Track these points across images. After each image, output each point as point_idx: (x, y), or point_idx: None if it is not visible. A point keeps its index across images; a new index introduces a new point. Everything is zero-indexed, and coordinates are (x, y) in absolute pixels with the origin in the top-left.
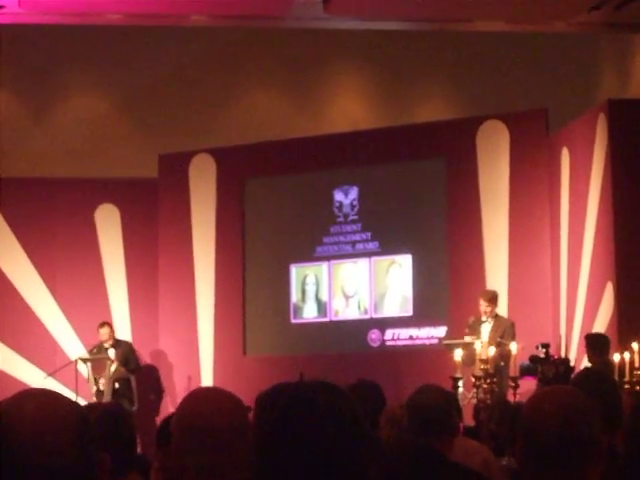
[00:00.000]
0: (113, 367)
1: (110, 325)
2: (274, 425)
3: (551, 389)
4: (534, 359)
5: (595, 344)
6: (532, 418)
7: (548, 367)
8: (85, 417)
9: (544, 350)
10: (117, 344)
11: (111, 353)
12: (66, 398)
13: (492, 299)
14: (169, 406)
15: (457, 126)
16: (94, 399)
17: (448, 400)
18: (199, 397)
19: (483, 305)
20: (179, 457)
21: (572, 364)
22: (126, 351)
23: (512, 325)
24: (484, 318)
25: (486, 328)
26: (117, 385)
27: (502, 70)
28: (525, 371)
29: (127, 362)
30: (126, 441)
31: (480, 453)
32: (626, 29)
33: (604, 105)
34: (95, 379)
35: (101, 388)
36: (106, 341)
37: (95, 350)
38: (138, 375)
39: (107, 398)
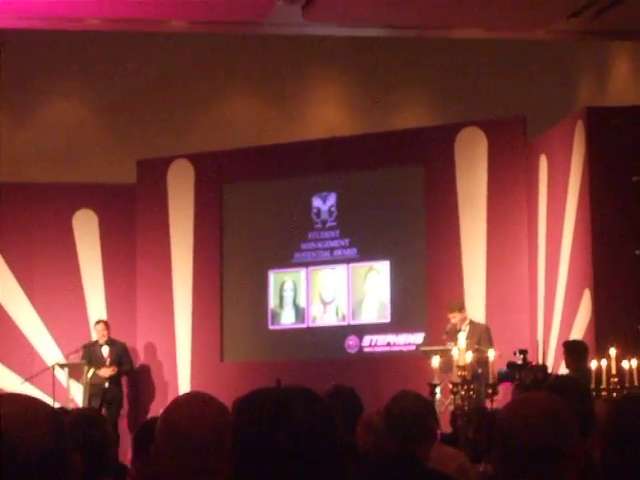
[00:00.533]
0: (90, 373)
1: (105, 323)
2: (250, 430)
3: (527, 396)
4: (511, 365)
5: (573, 351)
6: (508, 424)
7: (526, 373)
8: (59, 419)
9: (522, 356)
10: (112, 343)
11: (105, 350)
12: (40, 401)
13: (455, 308)
14: (147, 412)
15: (435, 133)
16: (71, 405)
17: (426, 407)
18: (183, 402)
19: (452, 317)
20: (160, 461)
21: (550, 370)
22: (120, 351)
23: (487, 329)
24: (459, 327)
25: (462, 335)
26: (107, 385)
27: (480, 77)
28: (503, 377)
29: (120, 362)
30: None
31: (456, 460)
32: (604, 37)
33: (582, 112)
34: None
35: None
36: (101, 339)
37: (89, 346)
38: (131, 376)
39: (84, 403)
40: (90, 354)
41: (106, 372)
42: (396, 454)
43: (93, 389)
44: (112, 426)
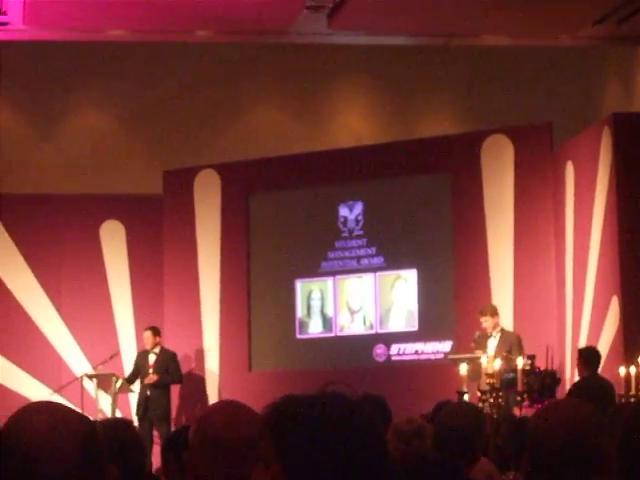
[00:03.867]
0: (119, 383)
1: (153, 329)
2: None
3: (558, 402)
4: (515, 371)
5: (588, 358)
6: (539, 431)
7: (534, 379)
8: (93, 430)
9: (529, 362)
10: (160, 351)
11: (151, 358)
12: (74, 411)
13: (488, 312)
14: (176, 422)
15: (462, 140)
16: (100, 416)
17: (479, 423)
18: (217, 410)
19: (483, 320)
20: (194, 469)
21: (558, 376)
22: (167, 360)
23: (519, 339)
24: (489, 333)
25: (492, 343)
26: (149, 393)
27: (506, 84)
28: (508, 383)
29: (167, 371)
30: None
31: (484, 468)
32: (630, 42)
33: (609, 119)
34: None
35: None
36: (148, 346)
37: (140, 353)
38: (182, 383)
39: (113, 413)
40: (139, 361)
41: (148, 380)
42: (442, 467)
43: (139, 397)
44: (149, 434)
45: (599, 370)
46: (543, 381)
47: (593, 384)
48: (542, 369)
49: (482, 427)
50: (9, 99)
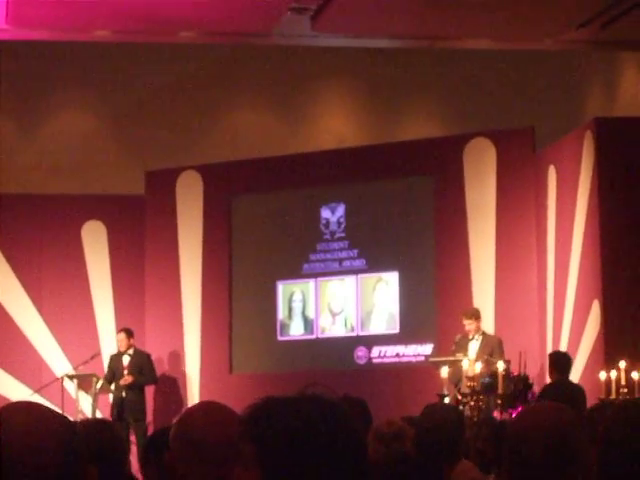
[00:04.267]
0: (99, 384)
1: (127, 331)
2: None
3: (537, 406)
4: (494, 375)
5: (557, 362)
6: (518, 435)
7: (507, 384)
8: (72, 430)
9: (505, 367)
10: (134, 353)
11: (125, 360)
12: (53, 411)
13: (472, 315)
14: (156, 423)
15: (444, 143)
16: (80, 416)
17: (459, 424)
18: (197, 411)
19: (466, 323)
20: (174, 469)
21: (530, 381)
22: (141, 361)
23: (500, 342)
24: (471, 336)
25: (474, 345)
26: (124, 394)
27: (489, 88)
28: (486, 387)
29: (141, 372)
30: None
31: (469, 472)
32: (613, 47)
33: (591, 123)
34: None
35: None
36: (121, 348)
37: (113, 356)
38: (157, 386)
39: (93, 414)
40: (113, 363)
41: (123, 381)
42: (423, 469)
43: (114, 399)
44: (125, 435)
45: (578, 373)
46: (515, 386)
47: (562, 388)
48: (515, 374)
49: (462, 428)
50: None
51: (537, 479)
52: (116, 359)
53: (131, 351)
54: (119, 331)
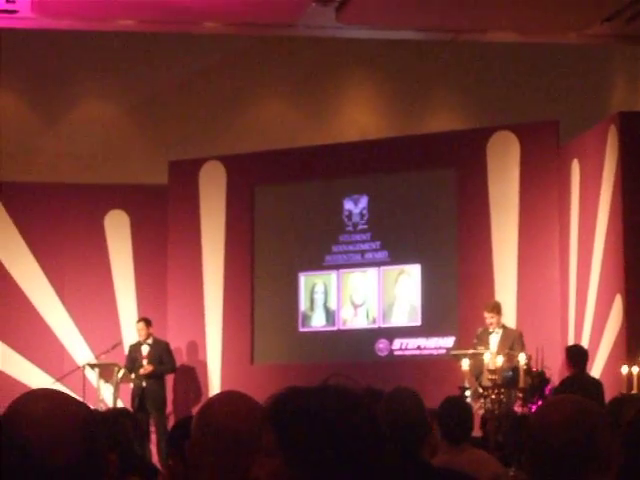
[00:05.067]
0: (121, 373)
1: (146, 321)
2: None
3: (559, 398)
4: (515, 370)
5: (574, 356)
6: (539, 428)
7: (524, 379)
8: (93, 417)
9: (525, 360)
10: (153, 342)
11: (144, 350)
12: (73, 398)
13: (494, 309)
14: (178, 413)
15: (468, 136)
16: (101, 405)
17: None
18: (219, 400)
19: (487, 316)
20: (196, 458)
21: (548, 377)
22: (161, 350)
23: (520, 335)
24: (491, 329)
25: (494, 339)
26: (144, 384)
27: (513, 81)
28: (508, 382)
29: (161, 361)
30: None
31: (490, 465)
32: (638, 41)
33: (615, 117)
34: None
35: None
36: (140, 337)
37: (132, 345)
38: (176, 375)
39: (115, 403)
40: (132, 353)
41: (143, 371)
42: (402, 457)
43: (134, 388)
44: (146, 425)
45: (600, 368)
46: (533, 381)
47: (580, 382)
48: (533, 370)
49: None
50: (15, 87)
51: (560, 471)
52: (135, 349)
53: (150, 340)
54: (138, 320)
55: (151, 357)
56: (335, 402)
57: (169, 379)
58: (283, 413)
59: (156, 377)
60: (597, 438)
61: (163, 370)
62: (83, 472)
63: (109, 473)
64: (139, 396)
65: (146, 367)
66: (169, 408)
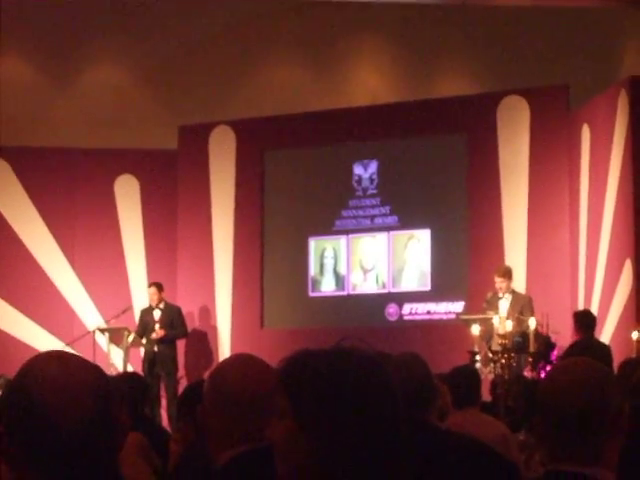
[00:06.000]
0: (131, 338)
1: (158, 285)
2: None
3: (570, 361)
4: (524, 335)
5: (582, 321)
6: (550, 390)
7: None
8: (105, 379)
9: (535, 325)
10: (165, 307)
11: (156, 314)
12: (85, 360)
13: (506, 274)
14: (188, 378)
15: (478, 101)
16: (111, 370)
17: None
18: (231, 363)
19: (498, 281)
20: (208, 423)
21: (553, 341)
22: (173, 314)
23: (530, 300)
24: (501, 294)
25: (504, 304)
26: (156, 348)
27: (523, 45)
28: (517, 347)
29: (172, 326)
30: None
31: (497, 428)
32: None
33: (625, 82)
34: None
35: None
36: (152, 302)
37: (144, 310)
38: (187, 340)
39: (125, 367)
40: (144, 318)
41: (155, 335)
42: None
43: (146, 353)
44: (156, 389)
45: (610, 333)
46: (539, 347)
47: (588, 346)
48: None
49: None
50: (25, 52)
51: (571, 433)
52: (147, 313)
53: (162, 305)
54: (150, 285)
55: (163, 322)
56: (349, 364)
57: (180, 344)
58: (296, 377)
59: (168, 342)
60: (608, 400)
61: (175, 335)
62: (96, 433)
63: (122, 432)
64: (150, 360)
65: (158, 331)
66: (180, 372)
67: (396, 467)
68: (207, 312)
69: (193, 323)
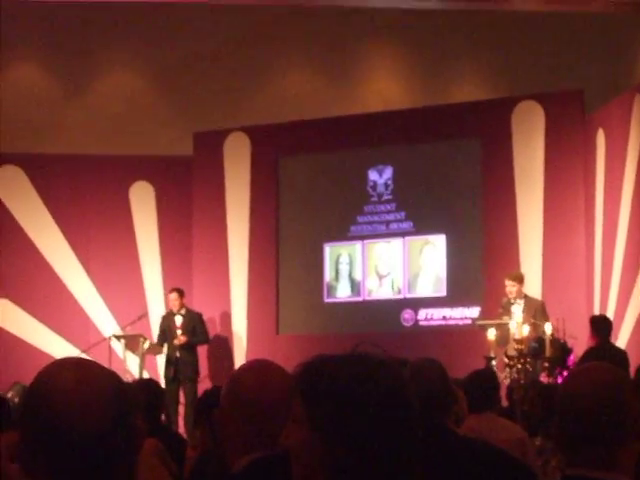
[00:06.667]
0: (146, 344)
1: (179, 291)
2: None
3: (589, 366)
4: (540, 341)
5: (597, 326)
6: (568, 395)
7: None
8: (121, 385)
9: (551, 330)
10: (186, 313)
11: (177, 320)
12: (101, 367)
13: (516, 278)
14: (204, 384)
15: (492, 106)
16: (127, 376)
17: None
18: (249, 369)
19: (508, 284)
20: (224, 428)
21: (569, 347)
22: (194, 321)
23: (543, 305)
24: (512, 299)
25: (517, 309)
26: (178, 354)
27: (538, 50)
28: (533, 352)
29: (194, 332)
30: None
31: (514, 433)
32: None
33: None
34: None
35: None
36: (173, 308)
37: (165, 316)
38: (210, 345)
39: (141, 374)
40: (165, 323)
41: (177, 341)
42: (427, 427)
43: (168, 359)
44: (176, 395)
45: (625, 339)
46: (554, 352)
47: (605, 352)
48: (561, 340)
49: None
50: (40, 59)
51: (588, 438)
52: (168, 319)
53: (183, 311)
54: (171, 291)
55: (184, 328)
56: (364, 369)
57: (201, 350)
58: (311, 383)
59: (189, 348)
60: (626, 405)
61: (197, 341)
62: (112, 440)
63: (138, 440)
64: (173, 366)
65: (180, 338)
66: (204, 379)
67: (411, 472)
68: (222, 318)
69: (209, 328)
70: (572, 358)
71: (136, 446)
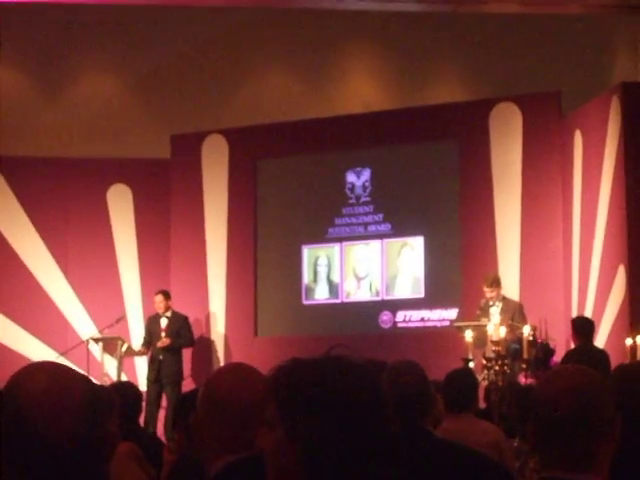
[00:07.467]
0: (124, 347)
1: (165, 293)
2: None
3: (563, 368)
4: (520, 341)
5: (579, 327)
6: (544, 397)
7: (532, 350)
8: (94, 389)
9: (532, 333)
10: (171, 315)
11: (162, 322)
12: (74, 371)
13: (493, 283)
14: (189, 386)
15: (470, 108)
16: (105, 379)
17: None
18: (225, 373)
19: (487, 291)
20: (200, 431)
21: (552, 348)
22: (179, 323)
23: (521, 307)
24: (492, 302)
25: (495, 310)
26: (161, 357)
27: (515, 52)
28: (513, 353)
29: (179, 335)
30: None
31: (492, 434)
32: None
33: (618, 88)
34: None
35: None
36: (159, 310)
37: (151, 318)
38: (194, 348)
39: (119, 377)
40: (151, 325)
41: (161, 344)
42: (407, 430)
43: (151, 361)
44: (157, 398)
45: (604, 339)
46: (536, 353)
47: (586, 353)
48: (539, 341)
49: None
50: (15, 61)
51: (564, 439)
52: (154, 321)
53: (169, 313)
54: (157, 293)
55: (169, 330)
56: (337, 373)
57: (186, 352)
58: (284, 386)
59: (173, 350)
60: (601, 407)
61: (181, 343)
62: (84, 444)
63: (111, 445)
64: (156, 369)
65: (164, 340)
66: (185, 381)
67: (386, 475)
68: (200, 320)
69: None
70: (555, 359)
71: (109, 450)
